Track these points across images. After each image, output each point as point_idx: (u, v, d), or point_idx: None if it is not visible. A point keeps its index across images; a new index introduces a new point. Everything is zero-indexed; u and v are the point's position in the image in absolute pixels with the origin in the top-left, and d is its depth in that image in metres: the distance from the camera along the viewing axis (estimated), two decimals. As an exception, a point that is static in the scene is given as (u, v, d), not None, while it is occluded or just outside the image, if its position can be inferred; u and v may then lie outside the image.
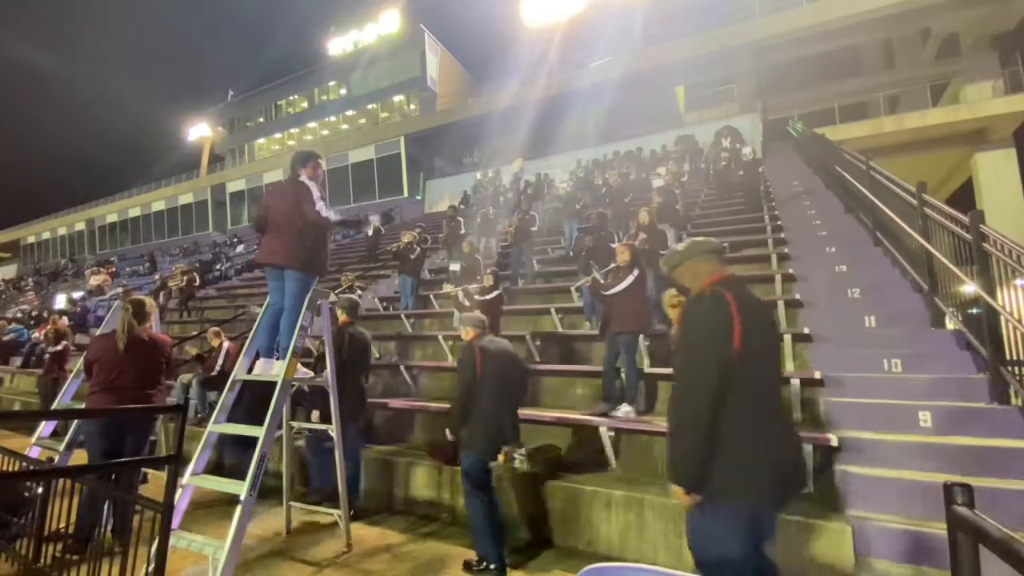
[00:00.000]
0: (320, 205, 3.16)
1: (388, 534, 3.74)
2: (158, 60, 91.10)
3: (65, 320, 9.78)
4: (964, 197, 17.27)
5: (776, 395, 1.90)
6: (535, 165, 17.76)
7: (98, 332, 3.87)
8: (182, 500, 2.76)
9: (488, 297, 5.61)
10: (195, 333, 9.30)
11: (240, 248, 22.12)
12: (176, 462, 2.36)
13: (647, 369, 4.78)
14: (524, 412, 4.65)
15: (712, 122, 17.21)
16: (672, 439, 1.84)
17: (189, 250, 25.86)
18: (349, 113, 31.75)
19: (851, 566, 2.65)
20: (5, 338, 11.58)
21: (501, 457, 4.27)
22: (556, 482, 3.71)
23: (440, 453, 4.47)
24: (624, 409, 4.19)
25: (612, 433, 4.05)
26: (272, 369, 3.19)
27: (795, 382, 3.98)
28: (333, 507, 3.65)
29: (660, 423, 4.03)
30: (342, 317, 4.41)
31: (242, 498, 2.59)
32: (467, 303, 5.77)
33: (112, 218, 36.80)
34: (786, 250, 6.89)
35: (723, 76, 19.10)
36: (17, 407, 8.94)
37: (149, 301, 3.67)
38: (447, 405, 5.07)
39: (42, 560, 2.85)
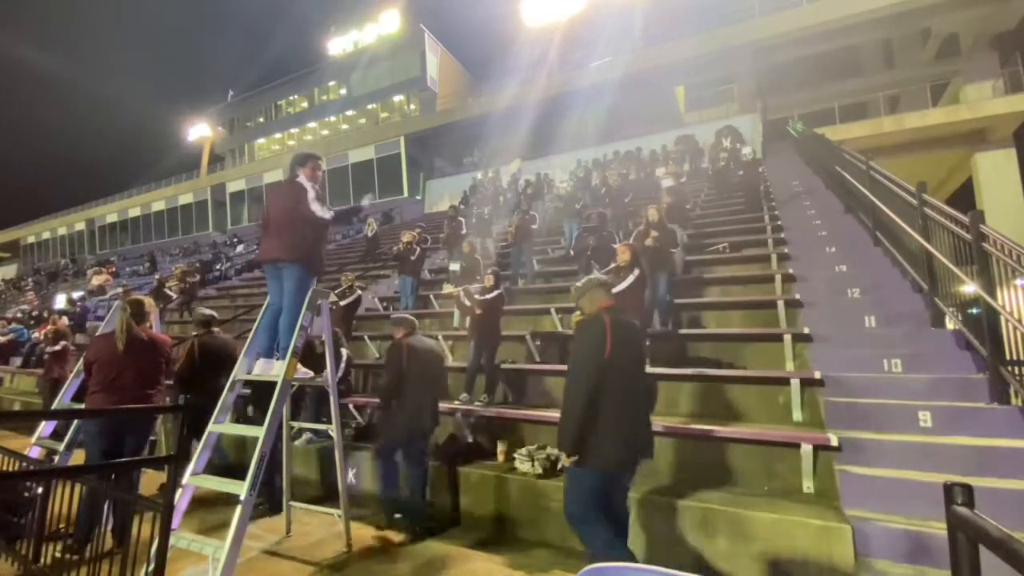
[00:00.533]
0: (316, 205, 3.19)
1: (388, 534, 3.74)
2: (158, 60, 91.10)
3: (65, 320, 9.77)
4: (964, 197, 17.27)
5: (635, 392, 2.61)
6: (535, 165, 17.77)
7: (98, 332, 3.87)
8: (182, 500, 2.76)
9: (489, 297, 5.61)
10: (195, 333, 9.28)
11: (240, 248, 22.13)
12: (176, 462, 2.36)
13: (647, 369, 4.78)
14: (525, 412, 4.68)
15: (712, 122, 17.20)
16: (562, 417, 2.51)
17: (189, 250, 25.86)
18: (349, 113, 31.75)
19: (851, 566, 2.64)
20: (4, 338, 11.59)
21: (501, 456, 4.30)
22: (556, 482, 3.70)
23: (440, 453, 4.47)
24: (624, 409, 4.18)
25: (612, 433, 4.05)
26: (272, 369, 3.19)
27: (795, 382, 3.98)
28: (333, 507, 3.65)
29: (660, 423, 4.03)
30: (400, 333, 4.58)
31: (242, 498, 2.59)
32: (468, 303, 5.76)
33: (112, 218, 36.81)
34: (786, 250, 6.89)
35: (723, 76, 19.09)
36: (17, 407, 8.94)
37: (148, 301, 3.67)
38: (444, 404, 5.09)
39: (42, 560, 2.85)
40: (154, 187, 35.34)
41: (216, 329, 4.75)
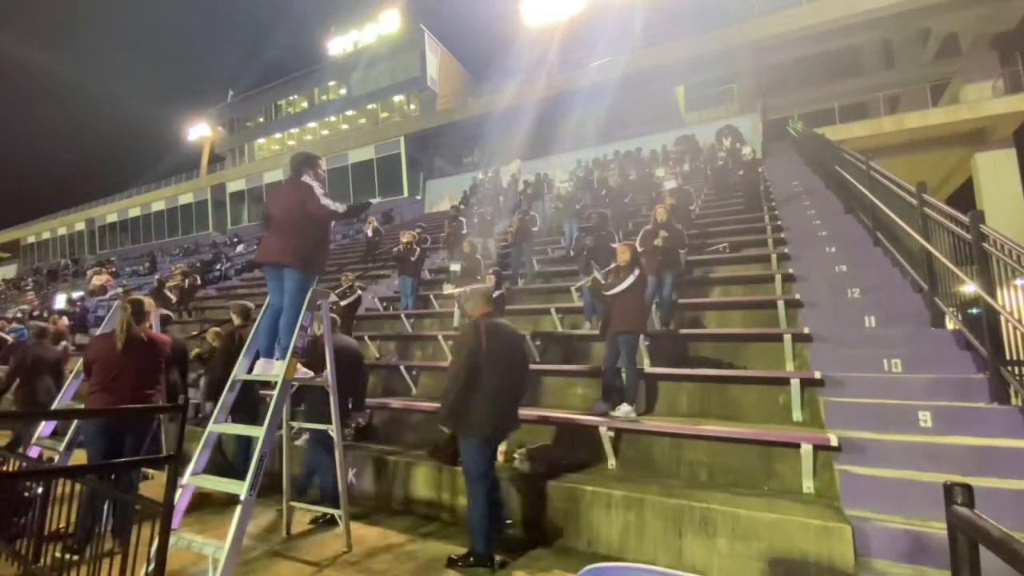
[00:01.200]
0: (326, 200, 3.21)
1: (388, 534, 3.74)
2: (158, 60, 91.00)
3: (65, 320, 9.77)
4: (964, 197, 17.28)
5: (508, 382, 3.25)
6: (535, 165, 17.76)
7: (98, 332, 3.87)
8: (182, 500, 2.75)
9: (488, 297, 5.60)
10: (195, 333, 9.30)
11: (240, 248, 22.12)
12: (176, 462, 2.36)
13: (647, 369, 4.79)
14: (525, 412, 4.67)
15: (712, 122, 17.21)
16: (442, 399, 3.25)
17: (189, 250, 25.86)
18: (349, 113, 31.74)
19: (851, 566, 2.64)
20: (10, 337, 11.55)
21: (501, 457, 4.29)
22: (556, 482, 3.70)
23: (441, 453, 4.47)
24: (624, 409, 4.19)
25: (612, 433, 4.05)
26: (272, 369, 3.19)
27: (795, 382, 3.98)
28: (333, 507, 3.65)
29: (660, 423, 4.03)
30: (237, 321, 4.80)
31: (242, 498, 2.59)
32: (468, 303, 5.76)
33: (112, 218, 36.79)
34: (786, 250, 6.89)
35: (723, 76, 19.09)
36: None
37: (148, 301, 3.67)
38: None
39: (42, 560, 2.85)
40: (154, 187, 35.33)
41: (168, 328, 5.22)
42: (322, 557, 3.36)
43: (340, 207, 3.29)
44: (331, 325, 4.28)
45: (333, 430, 3.56)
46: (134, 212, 35.70)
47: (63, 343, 7.57)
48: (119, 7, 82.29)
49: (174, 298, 11.52)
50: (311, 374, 3.54)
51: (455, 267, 8.33)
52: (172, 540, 2.41)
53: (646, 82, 18.95)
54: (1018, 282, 3.17)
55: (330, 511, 3.70)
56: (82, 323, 12.20)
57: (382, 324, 8.66)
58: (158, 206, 34.31)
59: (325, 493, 3.93)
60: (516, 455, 4.07)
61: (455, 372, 3.17)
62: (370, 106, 30.70)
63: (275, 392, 2.98)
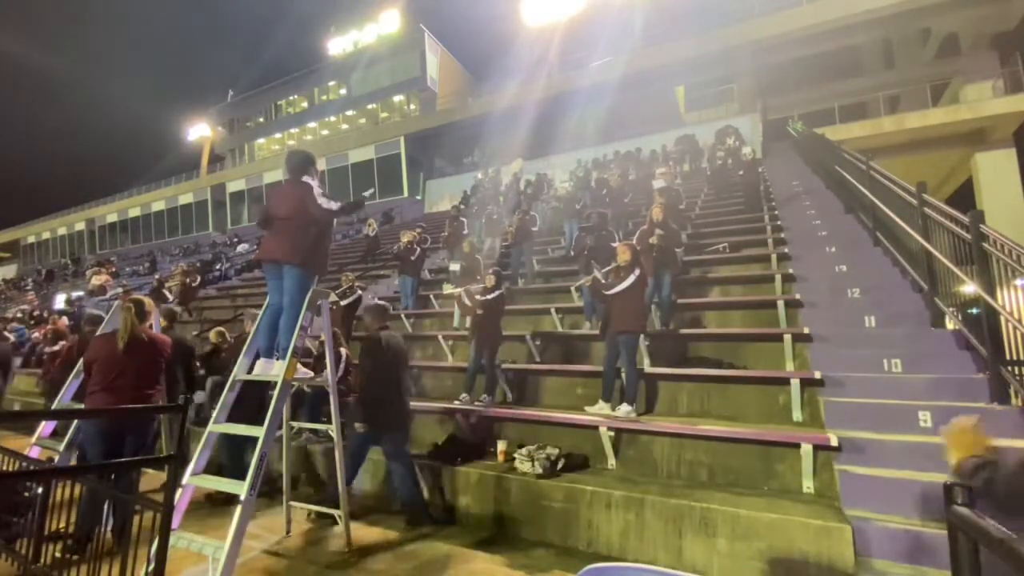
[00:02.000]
0: (323, 200, 3.21)
1: (388, 534, 3.74)
2: (158, 60, 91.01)
3: (65, 320, 9.77)
4: (964, 197, 17.26)
5: (399, 382, 4.04)
6: (535, 165, 17.75)
7: (98, 332, 3.87)
8: (182, 500, 2.75)
9: (490, 297, 5.60)
10: (195, 333, 9.30)
11: (242, 247, 22.11)
12: (176, 462, 2.36)
13: (647, 369, 4.79)
14: (525, 412, 4.69)
15: (712, 122, 17.20)
16: (360, 397, 4.04)
17: (189, 250, 25.85)
18: (349, 113, 31.72)
19: (851, 566, 2.65)
20: (12, 336, 11.56)
21: (501, 456, 4.30)
22: (556, 482, 3.71)
23: (440, 453, 4.47)
24: (624, 409, 4.19)
25: (612, 433, 4.06)
26: (272, 369, 3.19)
27: (795, 382, 3.99)
28: (333, 507, 3.65)
29: (660, 423, 4.03)
30: (163, 323, 4.77)
31: (242, 498, 2.59)
32: (469, 303, 5.77)
33: (112, 218, 36.79)
34: (786, 250, 6.89)
35: (723, 76, 19.07)
36: (17, 407, 8.92)
37: (149, 301, 3.67)
38: (444, 404, 5.10)
39: (42, 560, 2.85)
40: (154, 187, 35.32)
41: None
42: (322, 557, 3.36)
43: (335, 205, 3.28)
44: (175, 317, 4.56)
45: (333, 430, 3.57)
46: (134, 212, 35.70)
47: (62, 342, 7.59)
48: (119, 7, 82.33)
49: (171, 297, 11.51)
50: (311, 374, 3.54)
51: (455, 267, 8.33)
52: (172, 540, 2.41)
53: (646, 82, 18.93)
54: (1018, 282, 3.17)
55: (330, 511, 3.70)
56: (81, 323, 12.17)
57: (382, 324, 8.64)
58: (158, 206, 34.30)
59: (404, 503, 4.04)
60: (516, 455, 4.07)
61: (369, 379, 3.93)
62: (370, 106, 30.68)
63: (275, 392, 2.98)
